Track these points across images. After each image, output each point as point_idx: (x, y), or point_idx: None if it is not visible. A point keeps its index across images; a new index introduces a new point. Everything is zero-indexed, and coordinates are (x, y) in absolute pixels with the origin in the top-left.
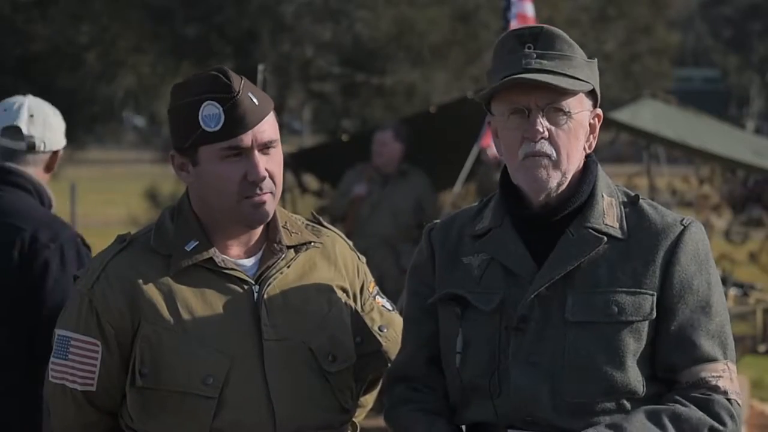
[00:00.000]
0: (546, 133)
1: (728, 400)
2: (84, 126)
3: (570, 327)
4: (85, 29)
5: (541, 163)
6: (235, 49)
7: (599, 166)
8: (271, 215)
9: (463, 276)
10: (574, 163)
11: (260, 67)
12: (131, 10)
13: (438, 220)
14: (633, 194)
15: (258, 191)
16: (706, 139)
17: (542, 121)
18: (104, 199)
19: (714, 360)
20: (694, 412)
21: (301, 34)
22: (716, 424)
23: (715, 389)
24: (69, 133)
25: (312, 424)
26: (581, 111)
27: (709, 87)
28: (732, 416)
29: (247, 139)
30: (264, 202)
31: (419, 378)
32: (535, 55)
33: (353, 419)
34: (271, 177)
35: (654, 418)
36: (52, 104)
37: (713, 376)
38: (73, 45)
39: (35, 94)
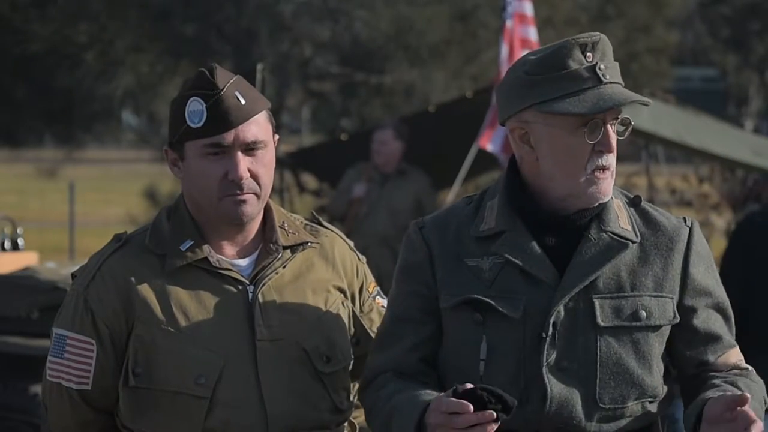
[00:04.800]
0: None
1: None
2: (83, 125)
3: (601, 332)
4: (84, 29)
5: (606, 175)
6: (233, 48)
7: None
8: (253, 215)
9: (470, 279)
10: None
11: (259, 67)
12: (130, 9)
13: (424, 218)
14: (633, 196)
15: (237, 191)
16: (704, 138)
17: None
18: (103, 199)
19: (735, 346)
20: (754, 379)
21: (299, 33)
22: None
23: (747, 368)
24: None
25: (305, 424)
26: None
27: (708, 86)
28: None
29: (228, 137)
30: (244, 201)
31: (411, 373)
32: (603, 66)
33: (353, 420)
34: (255, 178)
35: (734, 380)
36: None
37: (740, 360)
38: (71, 44)
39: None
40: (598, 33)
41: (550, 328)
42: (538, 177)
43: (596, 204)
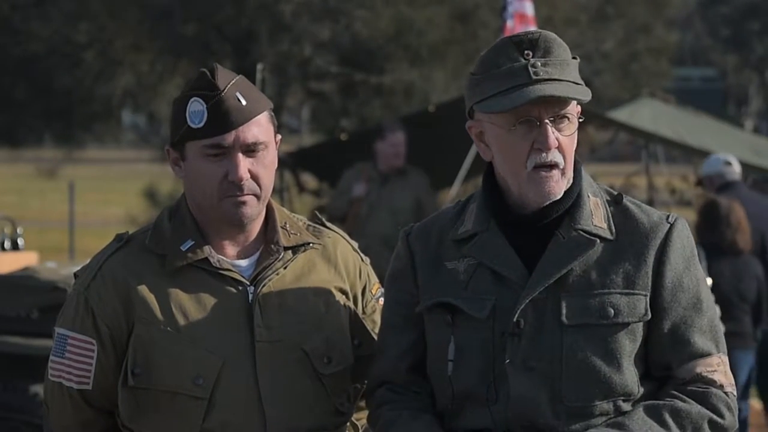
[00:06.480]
0: (556, 143)
1: (725, 393)
2: (82, 125)
3: (566, 330)
4: (84, 28)
5: (552, 173)
6: (233, 48)
7: (581, 165)
8: (254, 216)
9: (448, 281)
10: (572, 166)
11: (259, 66)
12: (129, 9)
13: (414, 224)
14: (616, 193)
15: (238, 192)
16: (704, 138)
17: (553, 131)
18: (103, 199)
19: (708, 354)
20: (693, 407)
21: (299, 33)
22: (715, 417)
23: (712, 383)
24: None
25: (304, 425)
26: (576, 113)
27: (708, 86)
28: (729, 408)
29: (229, 138)
30: (244, 203)
31: (402, 383)
32: (539, 64)
33: (356, 421)
34: (256, 179)
35: (654, 415)
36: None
37: (709, 371)
38: (71, 44)
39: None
40: (539, 30)
41: (512, 326)
42: (500, 176)
43: (546, 203)
